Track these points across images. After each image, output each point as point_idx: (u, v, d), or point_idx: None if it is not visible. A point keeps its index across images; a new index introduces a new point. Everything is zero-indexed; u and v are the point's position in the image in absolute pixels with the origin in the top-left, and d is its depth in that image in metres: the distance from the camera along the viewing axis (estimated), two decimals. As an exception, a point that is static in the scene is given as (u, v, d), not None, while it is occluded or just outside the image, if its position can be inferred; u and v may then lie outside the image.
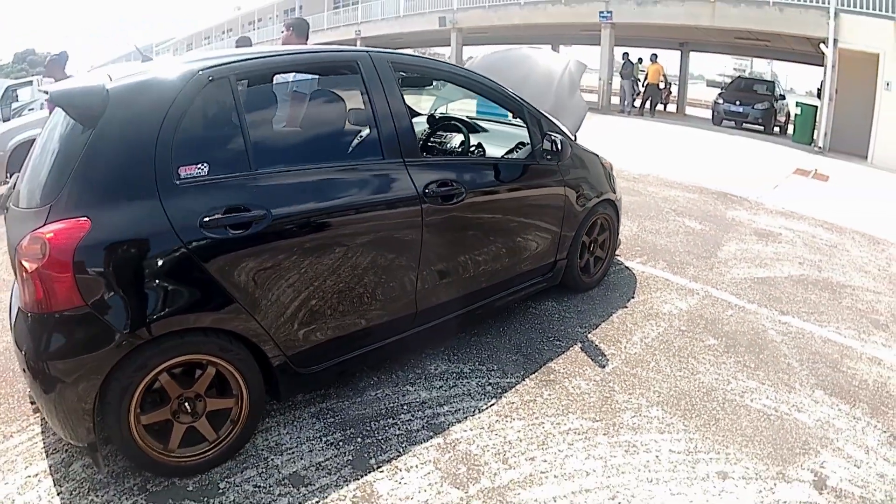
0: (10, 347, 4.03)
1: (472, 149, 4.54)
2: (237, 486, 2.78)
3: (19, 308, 2.57)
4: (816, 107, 16.26)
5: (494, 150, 4.60)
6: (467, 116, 5.42)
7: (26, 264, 2.42)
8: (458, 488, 2.79)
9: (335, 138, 3.54)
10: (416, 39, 30.52)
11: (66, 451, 3.01)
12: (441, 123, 4.99)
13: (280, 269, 2.88)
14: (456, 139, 4.77)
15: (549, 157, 4.20)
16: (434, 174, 3.49)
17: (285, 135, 3.60)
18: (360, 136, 3.46)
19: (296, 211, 2.94)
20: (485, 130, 5.05)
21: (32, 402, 2.92)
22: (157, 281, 2.57)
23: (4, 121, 13.46)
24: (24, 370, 2.59)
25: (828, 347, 4.37)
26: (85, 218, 2.45)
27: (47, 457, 2.98)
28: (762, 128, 19.55)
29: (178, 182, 2.63)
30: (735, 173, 10.87)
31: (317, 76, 3.93)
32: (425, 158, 3.67)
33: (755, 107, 19.60)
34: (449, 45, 27.09)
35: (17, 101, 17.52)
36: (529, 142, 4.26)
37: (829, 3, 14.45)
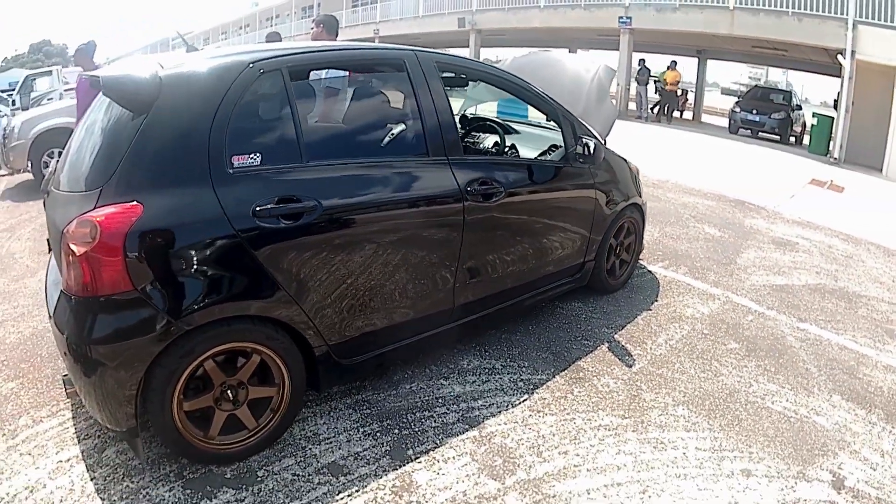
0: (36, 332, 4.16)
1: (506, 150, 4.60)
2: (275, 474, 2.82)
3: (62, 291, 2.58)
4: (833, 118, 16.30)
5: (525, 152, 4.66)
6: (501, 118, 5.46)
7: (74, 247, 2.42)
8: (495, 479, 2.87)
9: (381, 134, 3.52)
10: (434, 40, 30.53)
11: (99, 436, 3.04)
12: (474, 124, 5.02)
13: (327, 260, 2.92)
14: (489, 139, 4.82)
15: (581, 160, 4.28)
16: (475, 173, 3.56)
17: (334, 129, 3.64)
18: (404, 133, 3.47)
19: (345, 204, 2.98)
20: (516, 132, 5.10)
21: (67, 387, 2.87)
22: (207, 268, 2.60)
23: (24, 110, 13.67)
24: (64, 354, 2.60)
25: (844, 354, 4.45)
26: (137, 202, 2.46)
27: (79, 442, 3.00)
28: (778, 137, 19.61)
29: (231, 171, 2.66)
30: (752, 182, 10.94)
31: (348, 73, 3.96)
32: (466, 157, 3.69)
33: (772, 116, 19.67)
34: (467, 47, 27.15)
35: (35, 90, 17.80)
36: (563, 144, 4.31)
37: (847, 15, 14.48)
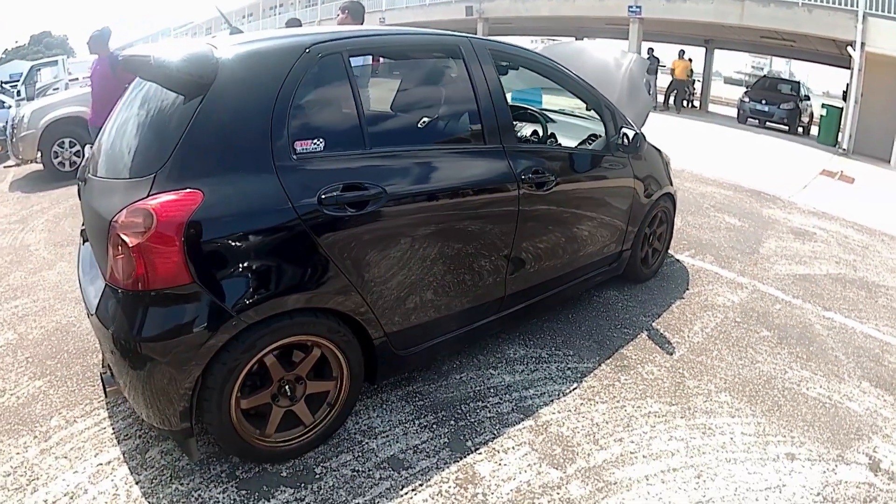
0: (60, 327, 4.09)
1: (548, 139, 4.60)
2: (334, 470, 2.78)
3: (108, 285, 2.47)
4: (841, 109, 16.37)
5: (564, 141, 4.66)
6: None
7: (125, 238, 2.28)
8: (557, 468, 2.90)
9: (439, 121, 3.49)
10: (441, 29, 30.37)
11: (140, 436, 2.95)
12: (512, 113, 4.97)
13: (389, 248, 2.85)
14: (528, 128, 4.79)
15: (622, 150, 4.32)
16: (528, 161, 3.52)
17: (395, 115, 3.62)
18: (461, 120, 3.45)
19: (409, 191, 2.93)
20: (552, 121, 5.06)
21: (106, 385, 2.73)
22: (270, 258, 2.49)
23: (29, 100, 13.68)
24: (111, 351, 2.47)
25: (869, 343, 4.55)
26: (195, 189, 2.35)
27: (119, 443, 2.90)
28: (787, 128, 19.62)
29: (294, 157, 2.57)
30: (765, 172, 11.04)
31: (372, 60, 3.92)
32: (519, 145, 3.64)
33: (780, 106, 19.65)
34: (474, 36, 26.94)
35: (38, 81, 17.78)
36: (604, 134, 4.32)
37: (857, 7, 14.52)
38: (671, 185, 5.25)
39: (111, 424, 3.06)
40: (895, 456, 3.22)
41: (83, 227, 3.29)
